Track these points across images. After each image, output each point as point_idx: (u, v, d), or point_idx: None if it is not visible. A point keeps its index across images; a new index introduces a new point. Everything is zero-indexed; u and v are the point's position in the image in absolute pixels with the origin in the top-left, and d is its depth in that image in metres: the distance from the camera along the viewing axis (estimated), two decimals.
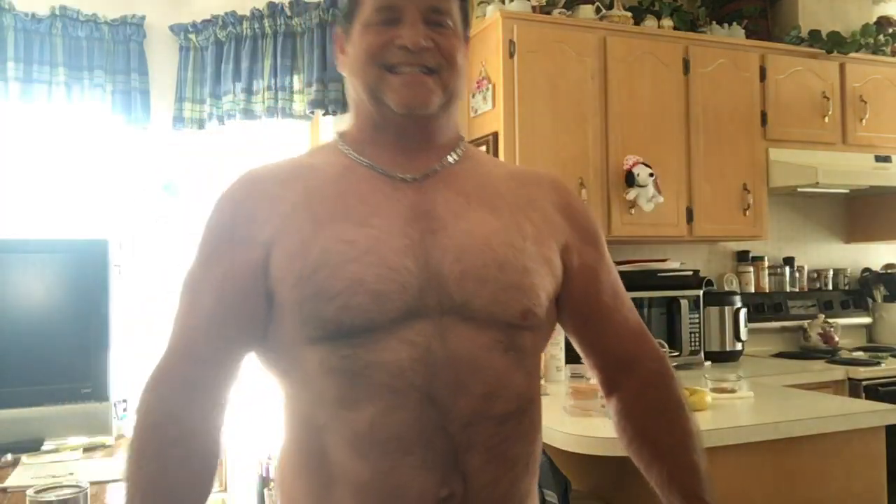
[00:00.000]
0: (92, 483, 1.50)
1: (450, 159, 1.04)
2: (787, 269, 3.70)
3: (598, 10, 3.08)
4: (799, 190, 3.36)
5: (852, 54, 3.46)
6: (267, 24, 3.15)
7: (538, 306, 0.97)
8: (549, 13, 3.00)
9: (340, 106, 3.07)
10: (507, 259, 0.96)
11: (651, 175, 2.92)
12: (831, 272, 3.83)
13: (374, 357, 0.90)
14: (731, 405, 2.22)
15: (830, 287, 3.81)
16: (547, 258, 1.01)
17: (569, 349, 2.53)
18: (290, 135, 3.39)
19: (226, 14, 3.19)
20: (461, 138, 1.09)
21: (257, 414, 3.30)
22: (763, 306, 3.57)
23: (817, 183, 3.18)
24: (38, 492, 1.30)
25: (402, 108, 0.98)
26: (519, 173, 1.12)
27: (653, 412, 1.07)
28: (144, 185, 3.28)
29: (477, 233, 0.96)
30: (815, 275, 3.81)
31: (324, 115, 3.16)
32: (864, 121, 3.45)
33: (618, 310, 1.10)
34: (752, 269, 3.63)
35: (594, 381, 1.18)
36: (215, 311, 0.96)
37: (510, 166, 1.19)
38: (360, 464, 0.90)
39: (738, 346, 3.25)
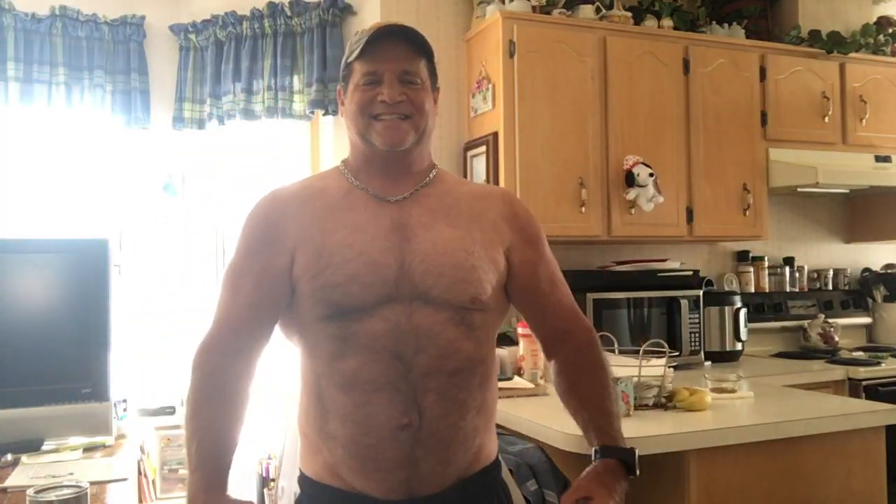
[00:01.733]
0: (92, 483, 1.51)
1: (423, 184, 1.39)
2: (787, 269, 3.70)
3: (598, 10, 3.08)
4: (799, 190, 3.36)
5: (852, 54, 3.46)
6: (267, 24, 3.15)
7: (483, 294, 1.31)
8: (549, 13, 3.00)
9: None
10: (458, 260, 1.30)
11: (651, 175, 2.92)
12: (831, 272, 3.83)
13: (359, 328, 1.26)
14: (731, 405, 2.22)
15: (830, 287, 3.81)
16: (492, 258, 1.35)
17: None
18: (290, 135, 3.39)
19: (226, 14, 3.19)
20: (434, 165, 1.44)
21: (257, 414, 3.30)
22: (763, 306, 3.57)
23: (817, 183, 3.18)
24: (38, 492, 1.30)
25: (385, 145, 1.33)
26: (476, 191, 1.46)
27: (580, 371, 1.40)
28: (144, 185, 3.28)
29: (437, 241, 1.31)
30: (815, 275, 3.81)
31: (324, 115, 3.16)
32: (864, 121, 3.45)
33: (553, 294, 1.43)
34: (752, 269, 3.63)
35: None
36: (253, 296, 1.31)
37: (470, 185, 1.52)
38: (345, 398, 1.26)
39: (738, 346, 3.25)
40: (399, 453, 1.24)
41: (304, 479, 1.36)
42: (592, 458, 1.30)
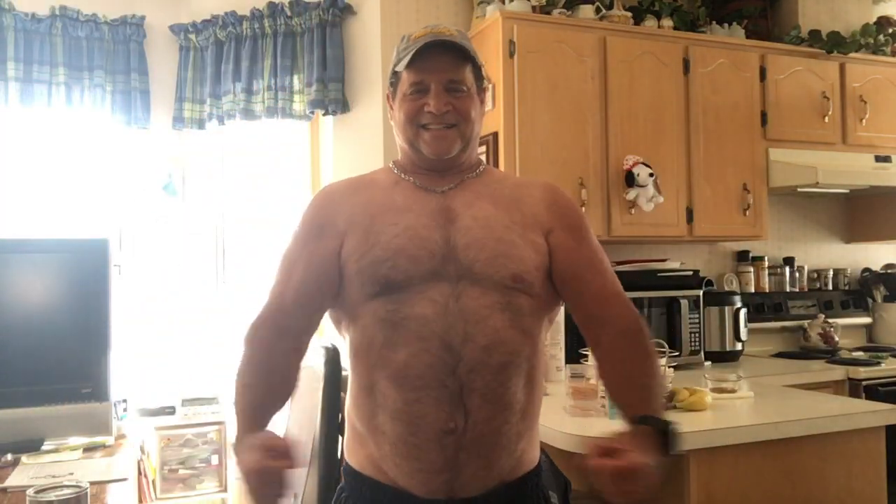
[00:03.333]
0: (92, 483, 1.51)
1: (469, 175, 1.43)
2: (787, 269, 3.70)
3: (598, 10, 3.08)
4: (799, 190, 3.36)
5: (852, 54, 3.46)
6: (267, 24, 3.15)
7: (526, 273, 1.31)
8: (549, 13, 3.00)
9: (340, 106, 3.07)
10: (499, 235, 1.33)
11: (651, 175, 2.92)
12: (831, 272, 3.83)
13: (409, 311, 1.27)
14: (731, 405, 2.21)
15: (830, 287, 3.81)
16: (531, 239, 1.36)
17: (569, 350, 2.53)
18: (290, 135, 3.39)
19: (226, 14, 3.19)
20: (481, 163, 1.48)
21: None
22: (763, 306, 3.57)
23: (817, 183, 3.18)
24: (38, 492, 1.30)
25: (432, 154, 1.39)
26: (519, 181, 1.53)
27: (625, 357, 1.35)
28: (144, 185, 3.28)
29: (480, 217, 1.35)
30: (815, 275, 3.81)
31: (324, 114, 3.16)
32: (864, 121, 3.45)
33: (595, 281, 1.40)
34: (752, 269, 3.63)
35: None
36: (303, 279, 1.36)
37: (515, 178, 1.56)
38: (395, 394, 1.26)
39: (738, 346, 3.25)
40: (442, 457, 1.25)
41: (348, 471, 1.39)
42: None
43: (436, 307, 1.26)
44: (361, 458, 1.35)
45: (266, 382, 1.35)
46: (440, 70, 1.35)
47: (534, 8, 2.99)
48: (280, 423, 3.15)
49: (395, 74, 1.41)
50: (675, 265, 3.14)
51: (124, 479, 1.75)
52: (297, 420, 1.99)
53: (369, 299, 1.30)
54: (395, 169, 1.46)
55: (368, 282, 1.29)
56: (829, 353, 3.36)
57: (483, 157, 2.94)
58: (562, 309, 1.77)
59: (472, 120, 1.39)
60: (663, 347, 2.20)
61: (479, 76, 1.42)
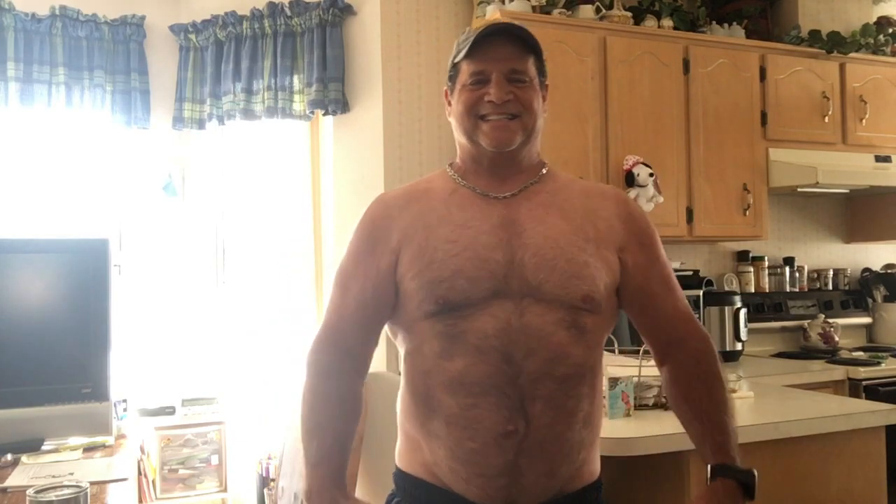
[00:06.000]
0: (92, 483, 1.51)
1: (533, 181, 1.35)
2: (787, 269, 3.70)
3: (598, 10, 3.08)
4: (799, 190, 3.36)
5: (852, 54, 3.46)
6: (267, 24, 3.15)
7: (596, 293, 1.26)
8: (549, 13, 3.00)
9: (340, 106, 3.06)
10: (572, 255, 1.26)
11: (651, 175, 2.92)
12: (831, 272, 3.83)
13: (467, 325, 1.23)
14: None
15: (830, 287, 3.81)
16: (604, 257, 1.30)
17: None
18: (290, 135, 3.39)
19: (226, 14, 3.19)
20: (543, 164, 1.39)
21: (257, 415, 3.30)
22: (763, 306, 3.57)
23: (817, 183, 3.18)
24: (38, 492, 1.30)
25: (493, 146, 1.31)
26: (589, 189, 1.40)
27: (694, 381, 1.33)
28: (144, 185, 3.28)
29: (550, 235, 1.28)
30: (815, 275, 3.81)
31: (324, 114, 3.16)
32: (864, 121, 3.45)
33: (667, 299, 1.36)
34: (752, 269, 3.62)
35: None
36: (360, 297, 1.32)
37: (583, 183, 1.44)
38: (451, 399, 1.23)
39: (738, 346, 3.25)
40: (502, 460, 1.21)
41: (400, 476, 1.35)
42: (708, 475, 1.26)
43: (497, 323, 1.22)
44: (415, 464, 1.31)
45: (341, 415, 1.31)
46: (502, 59, 1.29)
47: (534, 8, 2.98)
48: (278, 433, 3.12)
49: (455, 67, 1.35)
50: (676, 265, 3.14)
51: (124, 479, 1.75)
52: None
53: (426, 317, 1.26)
54: (452, 173, 1.38)
55: (427, 301, 1.25)
56: (829, 353, 3.36)
57: None
58: None
59: (535, 111, 1.32)
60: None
61: (541, 70, 1.35)
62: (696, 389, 1.31)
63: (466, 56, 1.31)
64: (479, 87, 1.30)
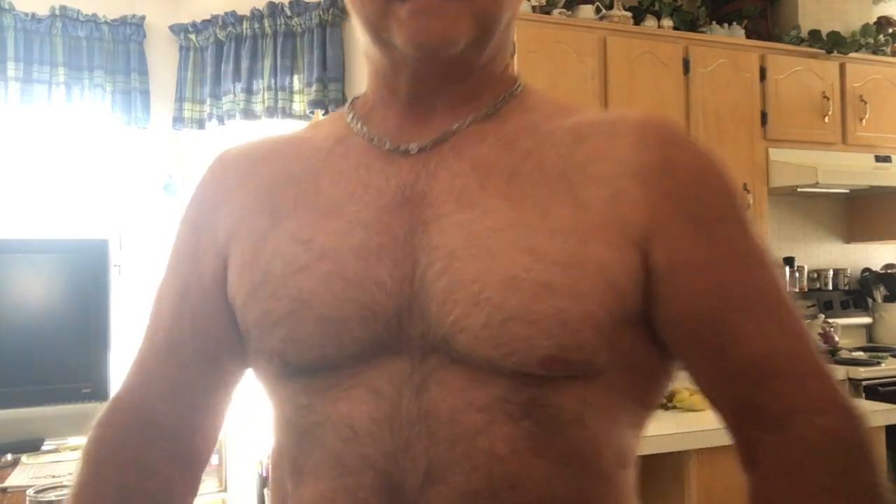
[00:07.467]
0: None
1: (480, 114, 0.69)
2: (787, 269, 3.69)
3: (598, 10, 3.08)
4: (799, 190, 3.36)
5: (852, 54, 3.46)
6: (267, 24, 3.15)
7: (576, 347, 0.59)
8: (549, 13, 3.00)
9: (340, 106, 3.06)
10: (518, 270, 0.60)
11: None
12: (831, 272, 3.83)
13: (326, 409, 0.63)
14: None
15: (830, 287, 3.81)
16: (598, 260, 0.61)
17: None
18: None
19: (226, 14, 3.19)
20: (514, 81, 0.73)
21: (257, 414, 3.30)
22: None
23: (817, 183, 3.18)
24: (38, 492, 1.30)
25: (412, 47, 0.64)
26: (586, 124, 0.68)
27: (810, 501, 0.63)
28: (144, 185, 3.28)
29: (478, 227, 0.62)
30: (815, 275, 3.81)
31: (324, 114, 3.16)
32: (864, 121, 3.45)
33: (746, 328, 0.63)
34: None
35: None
36: (173, 333, 0.76)
37: (581, 115, 0.70)
38: None
39: None
40: None
41: None
42: None
43: (377, 406, 0.61)
44: None
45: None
46: None
47: (534, 8, 2.99)
48: None
49: None
50: None
51: None
52: None
53: (276, 378, 0.69)
54: (350, 114, 0.74)
55: (258, 353, 0.68)
56: (829, 354, 3.36)
57: None
58: None
59: None
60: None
61: None
62: None
63: None
64: None
